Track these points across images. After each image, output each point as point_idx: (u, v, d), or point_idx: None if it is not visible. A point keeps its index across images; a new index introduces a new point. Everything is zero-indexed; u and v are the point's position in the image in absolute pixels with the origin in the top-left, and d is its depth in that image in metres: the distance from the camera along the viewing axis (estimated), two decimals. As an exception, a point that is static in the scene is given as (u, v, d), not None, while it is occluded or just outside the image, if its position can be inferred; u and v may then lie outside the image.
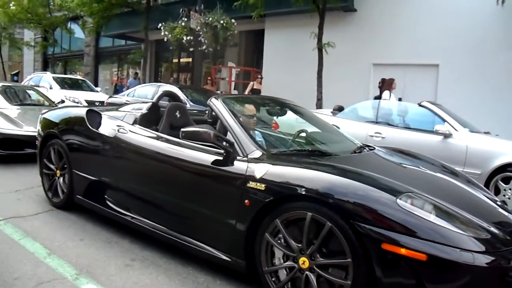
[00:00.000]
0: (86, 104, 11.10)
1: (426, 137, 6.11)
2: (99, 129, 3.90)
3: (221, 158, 2.88)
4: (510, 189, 5.35)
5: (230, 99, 3.52)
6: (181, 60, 19.37)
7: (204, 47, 12.05)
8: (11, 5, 20.16)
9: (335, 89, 11.65)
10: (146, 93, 10.65)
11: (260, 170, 2.65)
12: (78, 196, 4.08)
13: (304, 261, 2.44)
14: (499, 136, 6.47)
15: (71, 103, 10.94)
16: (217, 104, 3.24)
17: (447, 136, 5.92)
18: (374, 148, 3.77)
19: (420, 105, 6.53)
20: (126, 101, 9.95)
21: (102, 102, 11.84)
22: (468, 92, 10.44)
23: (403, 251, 2.14)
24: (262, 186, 2.58)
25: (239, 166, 2.78)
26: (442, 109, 6.43)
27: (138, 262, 3.21)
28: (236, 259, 2.76)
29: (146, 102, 4.24)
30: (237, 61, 15.96)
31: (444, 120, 6.14)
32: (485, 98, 10.00)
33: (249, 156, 2.83)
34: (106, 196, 3.81)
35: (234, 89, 13.94)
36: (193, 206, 3.07)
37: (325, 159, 3.02)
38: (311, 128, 4.02)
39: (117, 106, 5.32)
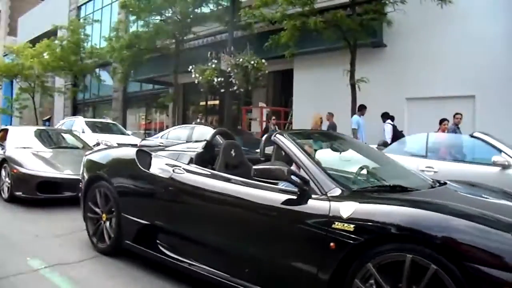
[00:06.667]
0: (120, 147, 11.06)
1: (482, 169, 5.80)
2: (150, 170, 3.71)
3: (295, 197, 2.63)
4: None
5: (295, 135, 3.29)
6: (209, 102, 19.49)
7: (235, 87, 12.02)
8: (44, 54, 20.82)
9: (369, 125, 11.40)
10: (179, 135, 10.57)
11: (347, 209, 2.37)
12: (127, 241, 3.84)
13: None
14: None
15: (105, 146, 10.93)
16: (284, 140, 3.01)
17: (505, 167, 5.57)
18: (446, 183, 3.48)
19: (472, 136, 6.22)
20: (160, 143, 9.87)
21: (134, 145, 11.81)
22: (508, 122, 10.03)
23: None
24: (350, 227, 2.30)
25: (319, 205, 2.52)
26: (496, 139, 6.10)
27: (199, 314, 2.92)
28: (317, 311, 2.45)
29: (200, 141, 4.04)
30: (265, 102, 15.94)
31: (500, 151, 5.80)
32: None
33: (328, 194, 2.57)
34: (159, 241, 3.56)
35: (265, 128, 13.81)
36: (262, 252, 2.80)
37: (410, 194, 2.74)
38: (363, 163, 3.74)
39: (160, 147, 5.18)
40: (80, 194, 4.62)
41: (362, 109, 10.80)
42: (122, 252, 4.02)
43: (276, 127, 12.65)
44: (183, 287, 3.37)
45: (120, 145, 11.56)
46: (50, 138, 8.74)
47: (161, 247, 3.52)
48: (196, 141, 4.32)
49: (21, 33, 33.79)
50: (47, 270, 3.70)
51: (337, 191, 2.59)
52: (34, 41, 24.18)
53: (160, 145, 8.90)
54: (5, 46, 26.88)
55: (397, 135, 10.36)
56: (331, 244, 2.34)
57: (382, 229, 2.24)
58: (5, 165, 6.85)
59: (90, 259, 4.05)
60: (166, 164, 3.66)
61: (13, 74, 23.59)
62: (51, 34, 22.96)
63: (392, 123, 10.69)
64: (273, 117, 13.38)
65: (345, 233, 2.32)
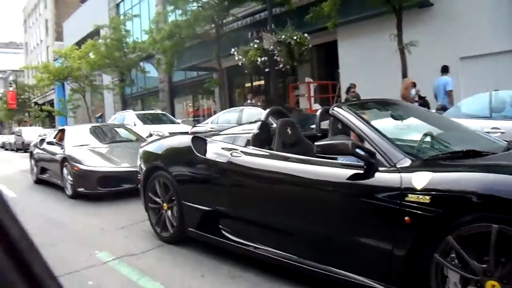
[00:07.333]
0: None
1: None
2: (207, 155, 3.67)
3: (362, 171, 2.48)
4: None
5: (354, 106, 3.11)
6: (254, 83, 19.38)
7: (280, 65, 11.81)
8: (90, 54, 21.52)
9: (422, 89, 10.89)
10: (229, 118, 10.55)
11: (421, 179, 2.20)
12: (190, 228, 3.84)
13: (494, 285, 1.97)
14: None
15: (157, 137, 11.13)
16: (343, 113, 2.85)
17: None
18: (520, 144, 3.20)
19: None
20: (211, 128, 9.90)
21: (185, 133, 11.95)
22: None
23: None
24: (426, 199, 2.13)
25: (389, 178, 2.36)
26: None
27: (271, 297, 2.87)
28: (394, 288, 2.32)
29: (253, 123, 3.95)
30: (311, 76, 15.61)
31: None
32: None
33: (397, 166, 2.40)
34: (222, 226, 3.53)
35: (314, 103, 13.51)
36: (331, 231, 2.69)
37: (487, 159, 2.52)
38: (425, 130, 3.50)
39: (213, 132, 5.15)
40: (139, 186, 4.68)
41: (448, 69, 10.03)
42: (186, 240, 4.03)
43: (355, 99, 11.90)
44: (250, 271, 3.33)
45: (172, 134, 11.74)
46: (105, 133, 8.98)
47: (225, 232, 3.49)
48: (250, 123, 4.23)
49: (66, 37, 35.07)
50: (116, 262, 3.78)
51: (407, 162, 2.41)
52: (79, 43, 25.07)
53: (211, 131, 8.92)
54: (54, 51, 28.03)
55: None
56: (406, 218, 2.19)
57: (462, 198, 2.06)
58: (65, 163, 7.10)
59: (155, 249, 4.11)
60: (223, 148, 3.60)
61: (64, 76, 24.65)
62: (95, 34, 23.66)
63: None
64: (352, 88, 12.13)
65: (420, 206, 2.15)
